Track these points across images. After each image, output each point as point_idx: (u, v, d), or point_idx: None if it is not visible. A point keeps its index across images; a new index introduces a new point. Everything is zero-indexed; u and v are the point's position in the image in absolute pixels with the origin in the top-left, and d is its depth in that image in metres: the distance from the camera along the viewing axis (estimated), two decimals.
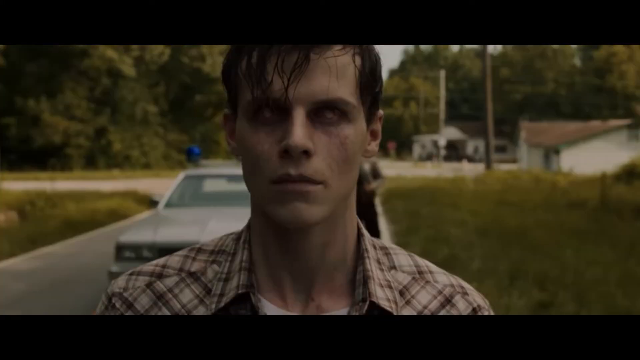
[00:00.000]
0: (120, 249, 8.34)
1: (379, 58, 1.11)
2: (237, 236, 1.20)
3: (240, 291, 1.11)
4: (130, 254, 8.24)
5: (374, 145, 1.17)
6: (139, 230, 8.96)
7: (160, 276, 1.18)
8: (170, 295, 1.16)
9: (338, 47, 1.03)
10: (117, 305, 1.17)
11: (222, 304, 1.11)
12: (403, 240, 14.26)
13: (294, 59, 1.00)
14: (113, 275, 8.11)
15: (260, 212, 1.12)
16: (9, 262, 13.23)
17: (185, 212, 9.90)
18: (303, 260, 1.12)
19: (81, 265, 12.47)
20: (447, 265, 10.36)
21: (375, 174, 10.74)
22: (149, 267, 1.20)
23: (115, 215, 20.61)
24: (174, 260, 1.20)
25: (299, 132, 1.00)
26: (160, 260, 1.21)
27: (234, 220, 8.99)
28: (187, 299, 1.15)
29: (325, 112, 1.03)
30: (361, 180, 10.02)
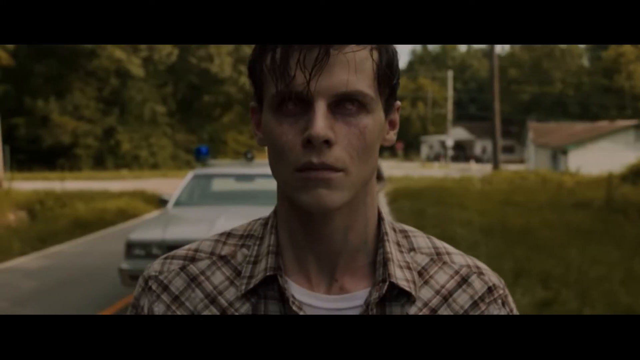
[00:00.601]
0: (130, 246, 8.44)
1: (396, 52, 1.17)
2: (265, 221, 1.27)
3: (268, 273, 1.17)
4: (140, 251, 8.35)
5: (392, 134, 1.23)
6: (148, 228, 9.06)
7: (193, 260, 1.25)
8: (202, 278, 1.23)
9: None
10: (154, 287, 1.24)
11: (251, 285, 1.18)
12: None
13: (315, 54, 1.06)
14: (123, 272, 8.25)
15: (286, 198, 1.19)
16: (19, 261, 13.36)
17: (194, 211, 9.97)
18: (327, 244, 1.19)
19: (90, 264, 12.58)
20: None
21: (378, 175, 10.58)
22: (182, 251, 1.28)
23: (124, 215, 20.69)
24: (206, 244, 1.27)
25: (321, 123, 1.06)
26: (193, 245, 1.28)
27: (242, 218, 9.04)
28: (218, 281, 1.22)
29: (345, 104, 1.09)
30: None
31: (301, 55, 1.06)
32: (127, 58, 55.22)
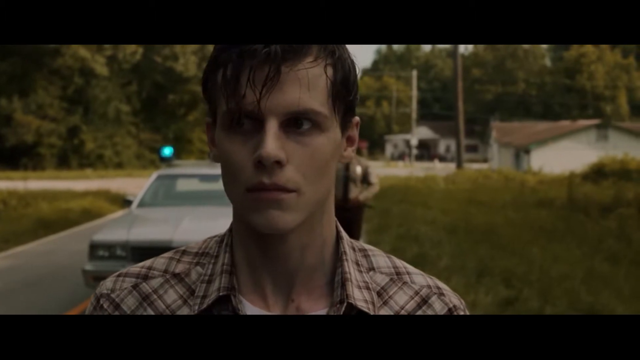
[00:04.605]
0: (94, 247, 8.37)
1: (353, 66, 1.13)
2: (221, 239, 1.23)
3: (221, 293, 1.14)
4: (103, 252, 8.30)
5: (350, 151, 1.19)
6: (112, 229, 9.02)
7: (145, 277, 1.21)
8: (155, 296, 1.18)
9: (309, 59, 1.05)
10: (105, 306, 1.20)
11: (204, 306, 1.14)
12: (374, 238, 14.38)
13: (266, 72, 1.02)
14: (87, 273, 8.21)
15: (240, 217, 1.15)
16: None
17: (158, 211, 9.94)
18: (282, 263, 1.15)
19: (55, 264, 12.48)
20: (417, 263, 10.52)
21: (366, 179, 9.88)
22: (135, 268, 1.23)
23: (88, 215, 20.52)
24: (160, 262, 1.23)
25: (271, 143, 1.02)
26: (147, 262, 1.24)
27: (207, 219, 9.16)
28: (171, 300, 1.18)
29: (297, 122, 1.05)
30: (348, 186, 9.45)
31: (251, 73, 1.03)
32: (92, 57, 54.82)
